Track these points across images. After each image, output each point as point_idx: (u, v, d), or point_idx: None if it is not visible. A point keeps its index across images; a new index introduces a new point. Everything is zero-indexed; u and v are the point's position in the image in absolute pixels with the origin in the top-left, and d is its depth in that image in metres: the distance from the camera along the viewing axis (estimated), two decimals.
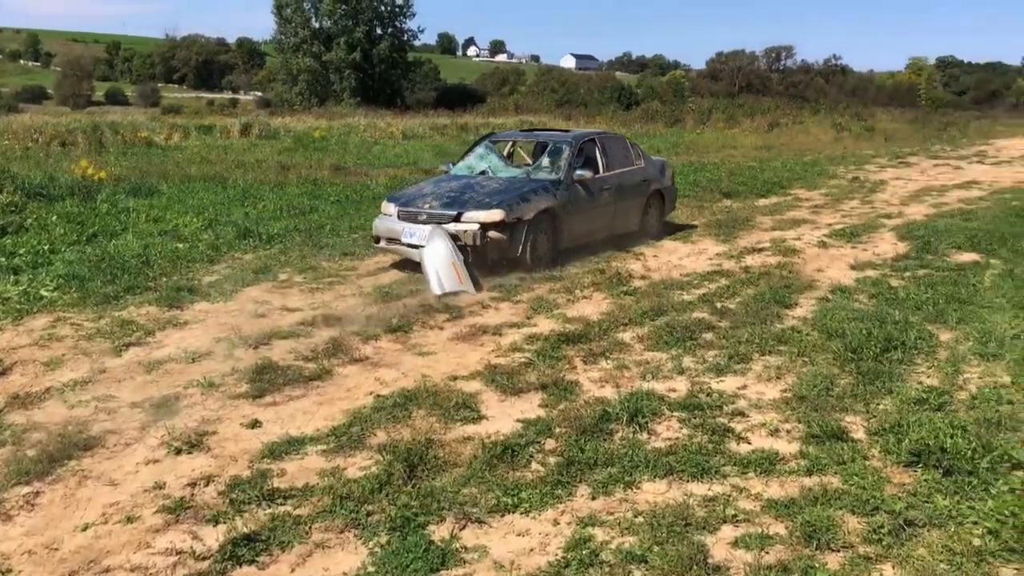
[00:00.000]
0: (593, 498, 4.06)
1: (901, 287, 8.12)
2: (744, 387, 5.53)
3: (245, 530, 3.72)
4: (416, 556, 3.53)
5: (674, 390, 5.45)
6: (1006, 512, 3.72)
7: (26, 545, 3.68)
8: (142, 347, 6.33)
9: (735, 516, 3.85)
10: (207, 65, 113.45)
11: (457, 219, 8.66)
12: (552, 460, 4.44)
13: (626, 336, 6.61)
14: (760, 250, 10.17)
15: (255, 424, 4.93)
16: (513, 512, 3.93)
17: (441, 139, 28.15)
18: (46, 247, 9.25)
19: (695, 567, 3.43)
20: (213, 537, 3.70)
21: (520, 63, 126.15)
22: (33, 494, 4.11)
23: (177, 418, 5.00)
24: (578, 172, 9.76)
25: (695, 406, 5.13)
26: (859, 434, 4.73)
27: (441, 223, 8.62)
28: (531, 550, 3.64)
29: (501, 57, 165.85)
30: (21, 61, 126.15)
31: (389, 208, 9.28)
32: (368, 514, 3.88)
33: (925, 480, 4.11)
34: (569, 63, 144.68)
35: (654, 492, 4.11)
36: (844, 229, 11.71)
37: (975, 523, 3.69)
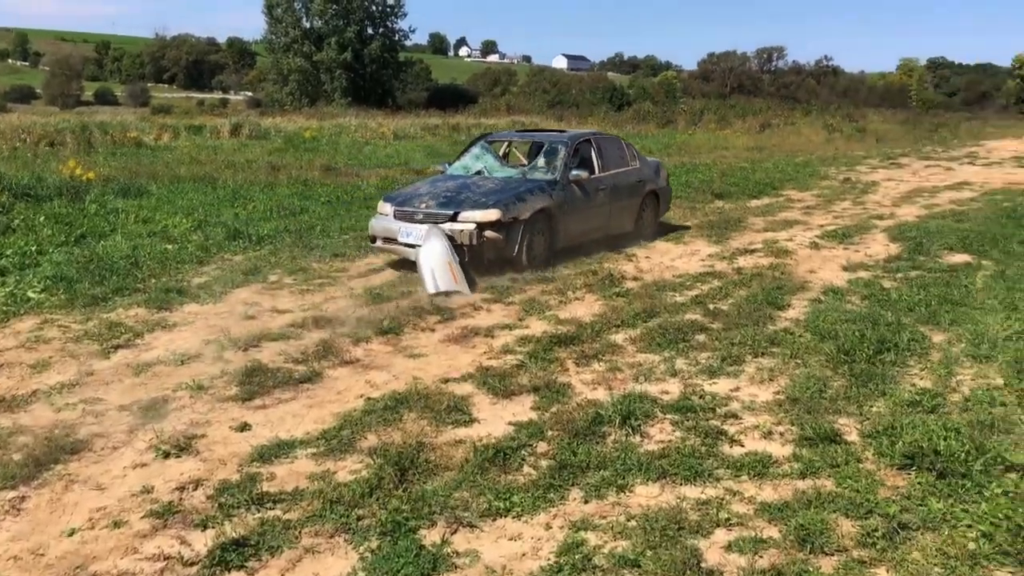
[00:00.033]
0: (586, 502, 4.03)
1: (893, 288, 8.12)
2: (737, 389, 5.51)
3: (234, 535, 3.67)
4: (407, 561, 3.50)
5: (667, 392, 5.42)
6: (1000, 515, 3.71)
7: (11, 550, 3.62)
8: (130, 349, 6.28)
9: (728, 520, 3.82)
10: (197, 65, 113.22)
11: (454, 219, 8.67)
12: (544, 463, 4.40)
13: (618, 338, 6.59)
14: (752, 251, 10.16)
15: (244, 427, 4.89)
16: (505, 516, 3.89)
17: (432, 139, 28.10)
18: (33, 248, 9.17)
19: (689, 572, 3.41)
20: (202, 542, 3.66)
21: (512, 63, 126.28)
22: (19, 499, 4.05)
23: (165, 421, 4.95)
24: (574, 172, 9.78)
25: (688, 408, 5.11)
26: (852, 436, 4.71)
27: (437, 223, 8.62)
28: (523, 555, 3.61)
29: (493, 57, 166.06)
30: (9, 60, 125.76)
31: (385, 208, 9.28)
32: (358, 518, 3.84)
33: (919, 483, 4.09)
34: (561, 64, 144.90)
35: (647, 495, 4.08)
36: (836, 230, 11.72)
37: (969, 526, 3.68)
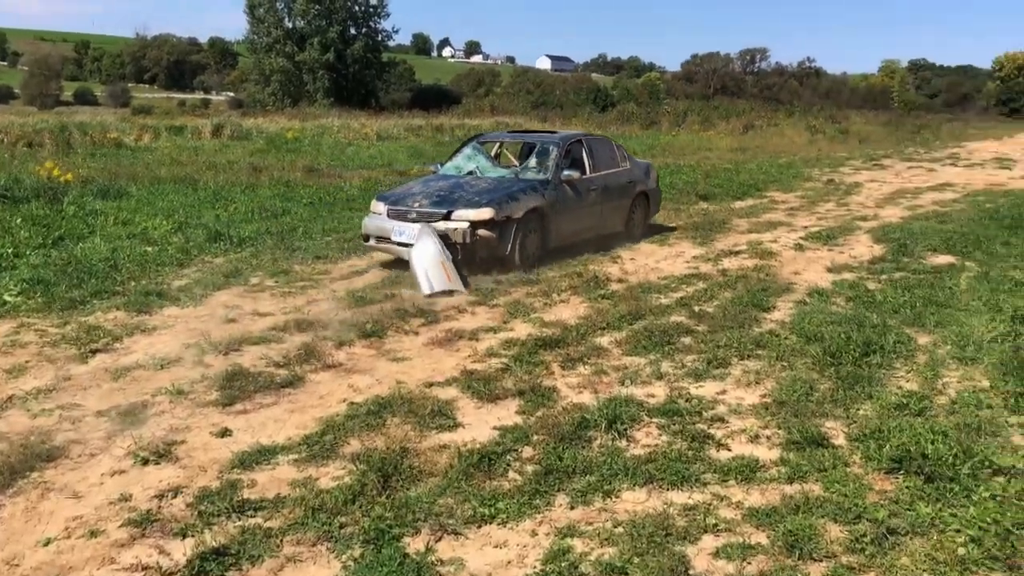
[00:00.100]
0: (572, 508, 3.98)
1: (878, 290, 8.12)
2: (723, 392, 5.48)
3: (214, 544, 3.60)
4: (390, 570, 3.43)
5: (653, 396, 5.38)
6: (988, 519, 3.69)
7: None
8: (109, 353, 6.18)
9: (716, 525, 3.78)
10: (179, 65, 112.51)
11: (447, 217, 8.71)
12: (530, 468, 4.35)
13: (604, 340, 6.55)
14: (737, 253, 10.15)
15: (225, 433, 4.81)
16: (490, 523, 3.84)
17: (416, 140, 28.02)
18: (10, 251, 9.03)
19: None
20: (181, 551, 3.58)
21: (495, 64, 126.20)
22: None
23: (144, 427, 4.86)
24: (566, 172, 9.86)
25: (674, 412, 5.07)
26: (840, 440, 4.69)
27: (431, 221, 8.66)
28: (508, 562, 3.55)
29: (476, 58, 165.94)
30: None
31: (379, 207, 9.32)
32: (341, 526, 3.77)
33: (907, 487, 4.07)
34: (545, 64, 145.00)
35: (634, 501, 4.03)
36: (820, 231, 11.74)
37: (958, 531, 3.65)
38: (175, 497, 4.06)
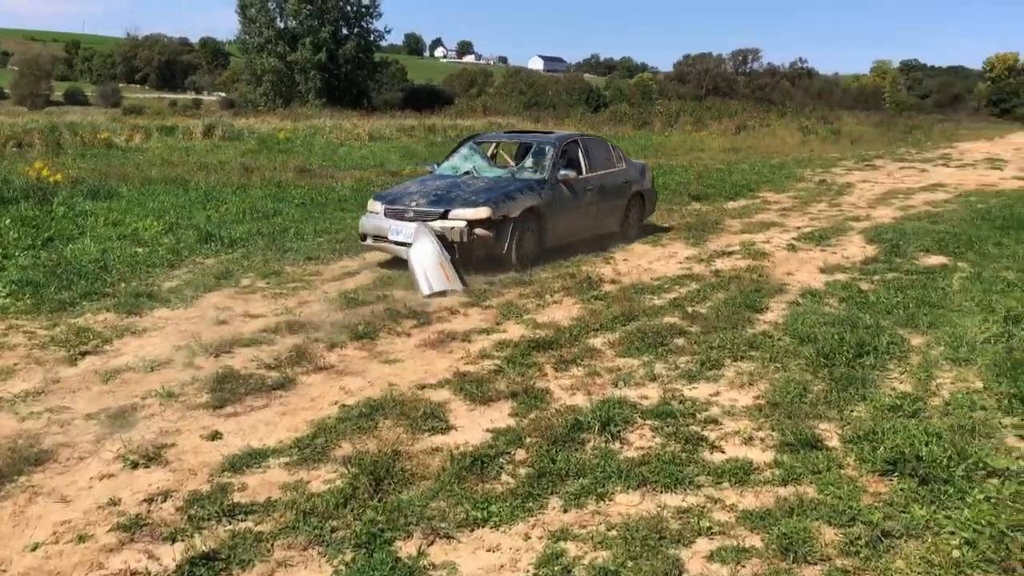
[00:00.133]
0: (565, 511, 3.96)
1: (871, 291, 8.12)
2: (717, 394, 5.46)
3: (204, 548, 3.56)
4: (382, 574, 3.41)
5: (646, 397, 5.36)
6: (983, 521, 3.68)
7: None
8: (98, 356, 6.13)
9: (710, 528, 3.76)
10: (170, 65, 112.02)
11: (444, 216, 8.75)
12: (523, 471, 4.32)
13: (597, 342, 6.52)
14: (730, 253, 10.15)
15: (215, 436, 4.77)
16: (483, 526, 3.81)
17: (408, 140, 27.96)
18: None
19: None
20: (170, 556, 3.54)
21: (488, 64, 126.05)
22: None
23: (134, 430, 4.82)
24: (562, 172, 9.92)
25: (668, 414, 5.05)
26: (833, 442, 4.67)
27: (428, 221, 8.68)
28: (501, 566, 3.53)
29: (469, 58, 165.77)
30: None
31: (376, 206, 9.35)
32: (332, 530, 3.74)
33: (901, 489, 4.05)
34: (537, 65, 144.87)
35: (627, 504, 4.01)
36: (813, 232, 11.74)
37: (952, 533, 3.63)
38: (165, 501, 4.03)
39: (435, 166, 10.92)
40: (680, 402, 5.26)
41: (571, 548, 3.63)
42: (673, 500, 4.04)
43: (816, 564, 3.48)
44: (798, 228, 12.24)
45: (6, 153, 18.82)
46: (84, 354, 6.13)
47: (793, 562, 3.48)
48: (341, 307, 7.46)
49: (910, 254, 9.97)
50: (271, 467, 4.39)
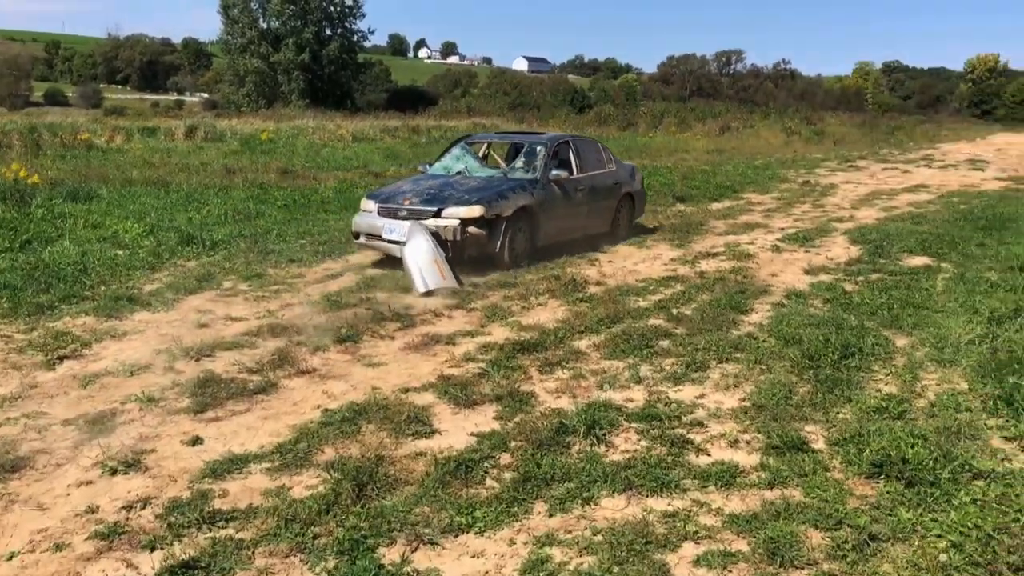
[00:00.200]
0: (550, 515, 3.92)
1: (855, 292, 8.13)
2: (702, 396, 5.44)
3: (183, 556, 3.50)
4: None
5: (631, 400, 5.33)
6: (969, 524, 3.67)
7: None
8: (77, 360, 6.04)
9: (696, 533, 3.73)
10: (152, 66, 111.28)
11: (438, 215, 8.82)
12: (507, 476, 4.28)
13: (582, 344, 6.49)
14: (714, 255, 10.15)
15: (196, 441, 4.70)
16: (467, 532, 3.77)
17: (392, 141, 27.85)
18: None
19: None
20: (149, 564, 3.48)
21: (472, 65, 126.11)
22: None
23: (113, 436, 4.74)
24: (554, 172, 10.01)
25: (653, 416, 5.02)
26: (819, 444, 4.65)
27: (421, 219, 8.73)
28: (486, 573, 3.49)
29: (453, 59, 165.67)
30: None
31: (369, 205, 9.44)
32: (315, 537, 3.68)
33: (887, 492, 4.04)
34: (521, 65, 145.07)
35: (613, 508, 3.98)
36: (797, 233, 11.76)
37: (939, 536, 3.62)
38: (144, 508, 3.96)
39: (427, 166, 11.00)
40: (666, 405, 5.23)
41: (556, 554, 3.59)
42: (659, 504, 4.01)
43: (803, 568, 3.46)
44: (782, 229, 12.26)
45: None
46: (62, 358, 6.04)
47: (780, 566, 3.46)
48: (324, 310, 7.40)
49: (894, 255, 10.00)
50: (252, 473, 4.33)
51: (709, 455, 4.56)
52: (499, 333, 6.78)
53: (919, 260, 9.71)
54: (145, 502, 4.01)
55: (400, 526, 3.76)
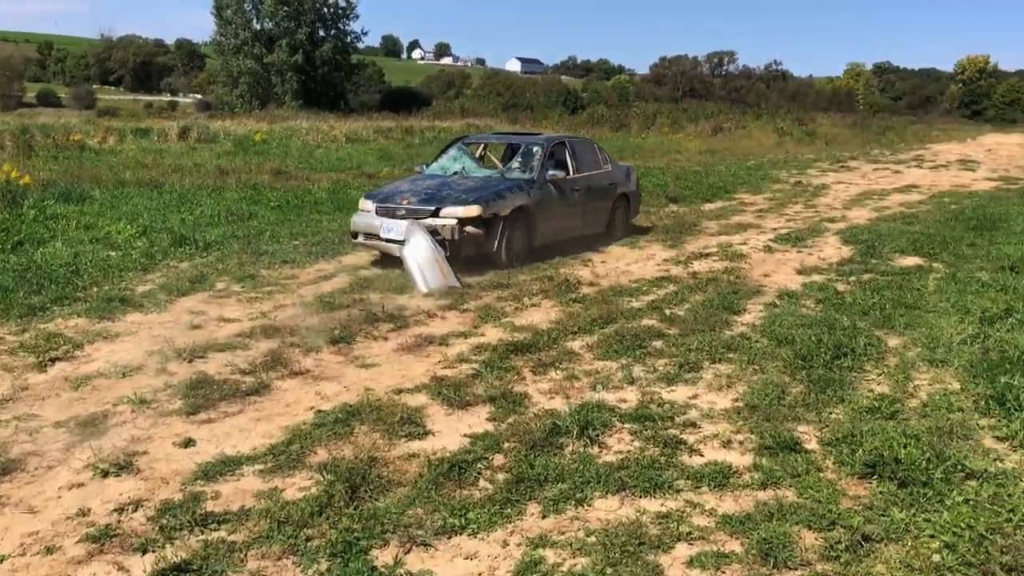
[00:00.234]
0: (544, 517, 3.91)
1: (848, 292, 8.14)
2: (695, 397, 5.44)
3: (175, 559, 3.49)
4: None
5: (625, 400, 5.33)
6: (962, 524, 3.67)
7: None
8: (69, 362, 6.02)
9: (689, 534, 3.73)
10: (145, 67, 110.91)
11: (436, 214, 8.90)
12: (501, 477, 4.28)
13: (575, 345, 6.49)
14: (707, 255, 10.15)
15: (188, 443, 4.69)
16: (460, 534, 3.76)
17: (385, 142, 27.82)
18: None
19: None
20: (140, 567, 3.47)
21: (465, 66, 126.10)
22: None
23: (105, 438, 4.73)
24: (550, 172, 10.11)
25: (646, 417, 5.02)
26: (812, 445, 4.66)
27: (419, 218, 8.82)
28: (479, 574, 3.48)
29: (446, 60, 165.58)
30: None
31: (367, 204, 9.54)
32: (307, 539, 3.68)
33: (880, 492, 4.04)
34: (515, 67, 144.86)
35: (606, 509, 3.98)
36: (789, 233, 11.78)
37: (932, 536, 3.63)
38: (135, 511, 3.94)
39: (424, 166, 11.08)
40: (659, 405, 5.23)
41: (549, 555, 3.58)
42: (652, 505, 4.01)
43: (796, 569, 3.46)
44: (774, 229, 12.28)
45: None
46: (54, 360, 6.01)
47: (773, 567, 3.46)
48: (317, 311, 7.38)
49: (885, 255, 10.03)
50: (245, 475, 4.32)
51: (702, 456, 4.56)
52: (492, 334, 6.78)
53: (911, 260, 9.73)
54: (137, 504, 3.99)
55: (393, 528, 3.75)
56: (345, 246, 10.10)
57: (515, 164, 10.47)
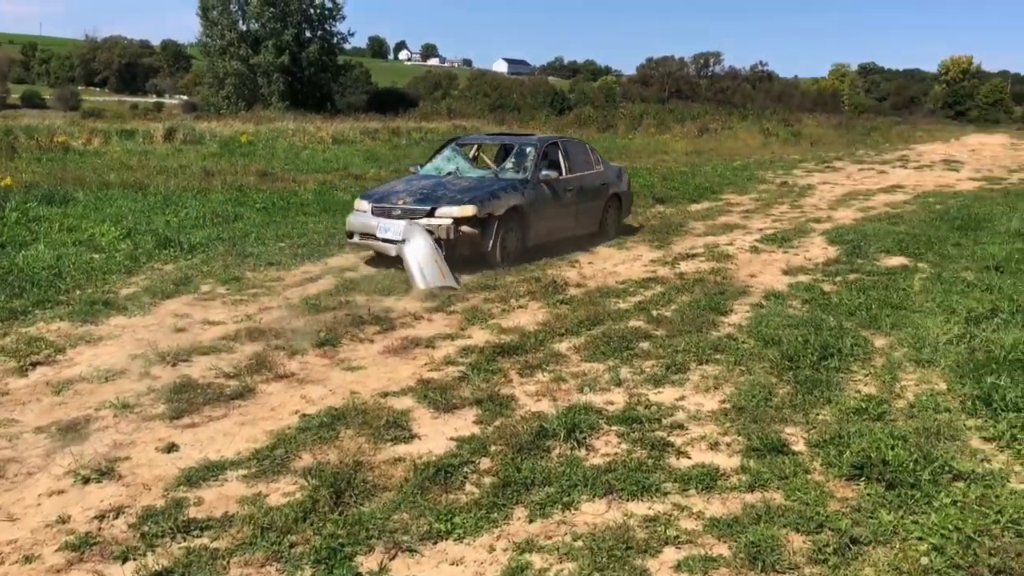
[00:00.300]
0: (530, 521, 3.88)
1: (834, 292, 8.15)
2: (682, 398, 5.42)
3: (156, 567, 3.44)
4: None
5: (612, 403, 5.31)
6: (950, 526, 3.66)
7: None
8: (51, 366, 5.95)
9: (677, 537, 3.71)
10: (130, 68, 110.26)
11: (431, 214, 8.99)
12: (487, 481, 4.25)
13: (562, 347, 6.46)
14: (694, 256, 10.15)
15: (171, 448, 4.63)
16: (446, 539, 3.73)
17: (372, 143, 27.72)
18: None
19: None
20: None
21: (452, 67, 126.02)
22: None
23: (86, 443, 4.66)
24: (544, 173, 10.20)
25: (633, 419, 5.00)
26: (800, 446, 4.65)
27: (415, 218, 8.90)
28: None
29: (433, 61, 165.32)
30: None
31: (363, 204, 9.61)
32: (291, 545, 3.63)
33: (868, 494, 4.03)
34: (502, 67, 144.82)
35: (593, 513, 3.95)
36: (775, 234, 11.80)
37: (920, 539, 3.62)
38: (117, 518, 3.89)
39: (419, 167, 11.17)
40: (646, 407, 5.21)
41: (536, 560, 3.55)
42: (639, 508, 3.98)
43: (784, 572, 3.44)
44: (761, 230, 12.29)
45: None
46: (35, 364, 5.94)
47: (761, 571, 3.44)
48: (303, 313, 7.33)
49: (871, 255, 10.05)
50: (229, 480, 4.27)
51: (690, 458, 4.54)
52: (479, 336, 6.74)
53: (896, 260, 9.75)
54: (118, 511, 3.94)
55: (378, 533, 3.72)
56: (331, 248, 10.05)
57: (509, 164, 10.52)
